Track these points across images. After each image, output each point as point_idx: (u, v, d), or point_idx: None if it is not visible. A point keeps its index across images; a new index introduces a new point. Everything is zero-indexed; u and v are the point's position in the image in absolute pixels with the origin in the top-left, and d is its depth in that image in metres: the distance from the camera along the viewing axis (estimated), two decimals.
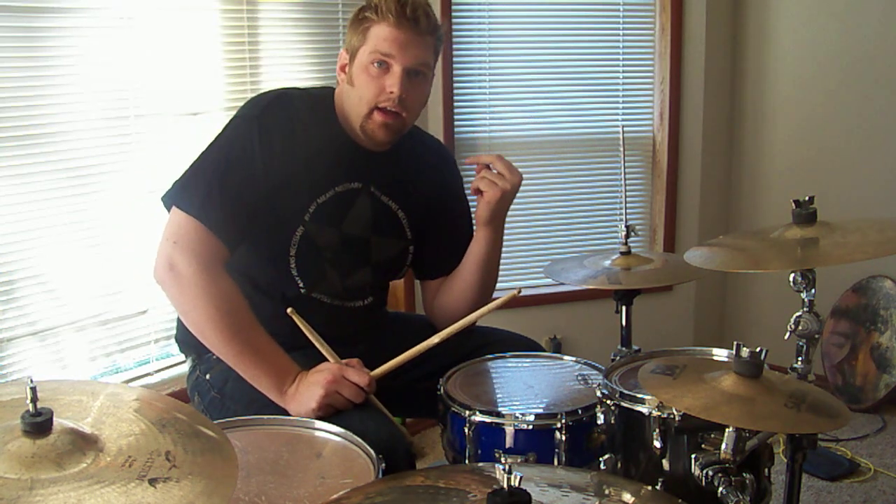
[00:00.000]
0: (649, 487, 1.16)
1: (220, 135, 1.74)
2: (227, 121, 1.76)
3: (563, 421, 1.55)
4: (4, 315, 2.20)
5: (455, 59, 3.18)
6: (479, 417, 1.57)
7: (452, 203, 1.97)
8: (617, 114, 3.46)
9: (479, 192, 1.81)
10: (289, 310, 1.62)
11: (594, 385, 1.65)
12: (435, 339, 1.70)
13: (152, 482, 0.95)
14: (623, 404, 1.47)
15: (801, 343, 1.50)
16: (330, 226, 1.78)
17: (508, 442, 1.57)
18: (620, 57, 3.42)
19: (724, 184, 3.66)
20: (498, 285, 1.96)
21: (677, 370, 1.36)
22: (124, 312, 2.47)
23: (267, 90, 1.83)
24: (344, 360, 1.65)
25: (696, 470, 1.33)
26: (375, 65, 1.68)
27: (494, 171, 1.79)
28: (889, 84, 3.16)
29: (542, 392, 1.71)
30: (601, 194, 3.49)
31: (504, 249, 1.93)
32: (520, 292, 1.70)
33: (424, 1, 1.71)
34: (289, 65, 2.79)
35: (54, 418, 0.98)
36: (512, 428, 1.57)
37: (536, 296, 3.39)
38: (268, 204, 1.70)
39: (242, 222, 1.69)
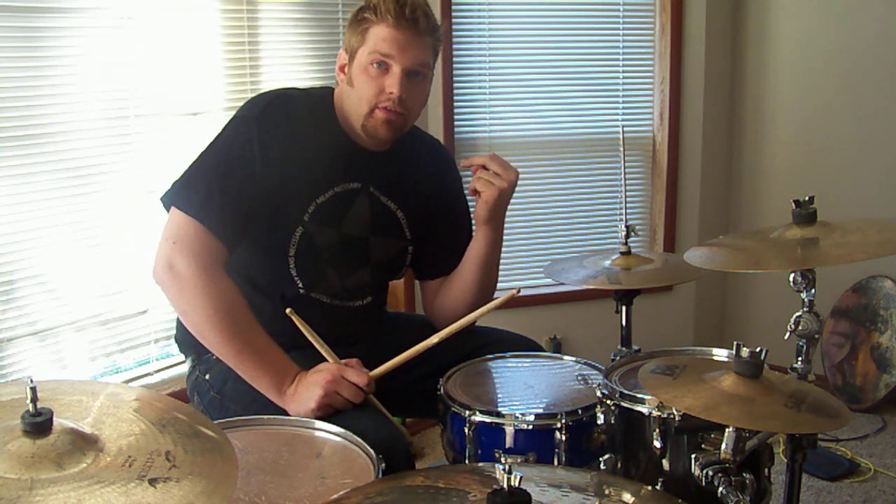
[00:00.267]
0: (649, 487, 1.16)
1: (219, 135, 1.74)
2: (226, 121, 1.76)
3: (563, 421, 1.55)
4: (4, 315, 2.20)
5: (455, 59, 3.18)
6: (479, 417, 1.57)
7: (452, 203, 1.97)
8: (617, 114, 3.46)
9: (476, 192, 1.81)
10: (288, 310, 1.62)
11: (594, 385, 1.65)
12: (434, 339, 1.70)
13: (152, 482, 0.95)
14: (623, 404, 1.47)
15: (801, 343, 1.50)
16: (329, 226, 1.78)
17: (508, 442, 1.57)
18: (620, 57, 3.42)
19: (724, 184, 3.66)
20: (498, 285, 1.96)
21: (677, 370, 1.36)
22: (124, 312, 2.47)
23: (266, 90, 1.83)
24: (343, 361, 1.65)
25: (696, 470, 1.33)
26: (375, 65, 1.68)
27: (490, 171, 1.79)
28: (889, 84, 3.16)
29: (542, 392, 1.71)
30: (601, 194, 3.49)
31: (504, 249, 1.93)
32: (519, 292, 1.70)
33: (423, 1, 1.71)
34: (289, 65, 2.79)
35: (54, 418, 0.98)
36: (512, 428, 1.57)
37: (536, 296, 3.39)
38: (267, 204, 1.70)
39: (242, 223, 1.69)
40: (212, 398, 1.78)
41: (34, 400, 0.97)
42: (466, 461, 1.60)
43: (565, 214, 3.47)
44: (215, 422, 1.38)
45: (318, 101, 1.80)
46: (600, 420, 1.51)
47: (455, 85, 3.20)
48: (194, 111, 2.56)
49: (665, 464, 1.41)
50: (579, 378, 1.76)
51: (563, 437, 1.54)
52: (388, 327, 1.97)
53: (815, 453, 1.45)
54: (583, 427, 1.56)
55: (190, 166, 1.71)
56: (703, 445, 1.36)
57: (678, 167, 3.51)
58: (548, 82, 3.35)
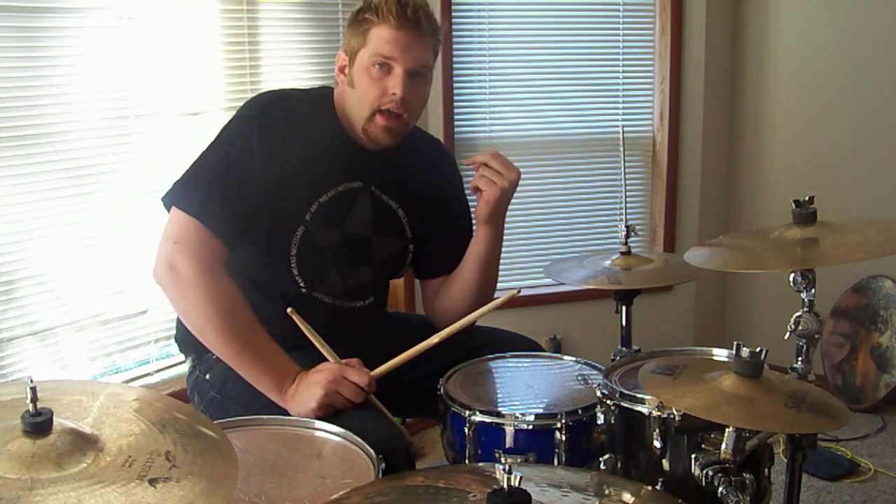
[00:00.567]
0: (649, 487, 1.16)
1: (219, 135, 1.74)
2: (226, 121, 1.76)
3: (563, 421, 1.55)
4: (4, 315, 2.20)
5: (455, 59, 3.18)
6: (479, 417, 1.57)
7: (452, 202, 1.97)
8: (617, 114, 3.46)
9: (478, 190, 1.81)
10: (289, 309, 1.62)
11: (594, 385, 1.65)
12: (435, 339, 1.70)
13: (152, 482, 0.95)
14: (623, 404, 1.47)
15: (801, 343, 1.50)
16: (331, 225, 1.78)
17: (508, 442, 1.57)
18: (620, 57, 3.42)
19: (724, 184, 3.66)
20: (498, 285, 1.96)
21: (677, 370, 1.36)
22: (124, 312, 2.47)
23: (266, 90, 1.83)
24: (344, 360, 1.65)
25: (696, 470, 1.33)
26: (377, 66, 1.68)
27: (492, 169, 1.79)
28: (889, 84, 3.16)
29: (542, 392, 1.71)
30: (601, 194, 3.49)
31: (504, 249, 1.93)
32: (519, 292, 1.70)
33: (424, 2, 1.71)
34: (289, 65, 2.79)
35: (54, 418, 0.98)
36: (512, 428, 1.57)
37: (536, 296, 3.39)
38: (268, 203, 1.70)
39: (243, 222, 1.69)
40: (212, 398, 1.78)
41: (34, 400, 0.97)
42: (466, 461, 1.60)
43: (565, 214, 3.47)
44: (215, 422, 1.38)
45: (318, 101, 1.80)
46: (600, 420, 1.51)
47: (455, 85, 3.19)
48: (194, 111, 2.56)
49: (665, 464, 1.41)
50: (579, 378, 1.76)
51: (563, 437, 1.54)
52: (388, 327, 1.97)
53: (815, 453, 1.45)
54: (583, 427, 1.56)
55: (190, 166, 1.71)
56: (703, 445, 1.36)
57: (678, 167, 3.51)
58: (548, 82, 3.35)
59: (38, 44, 2.20)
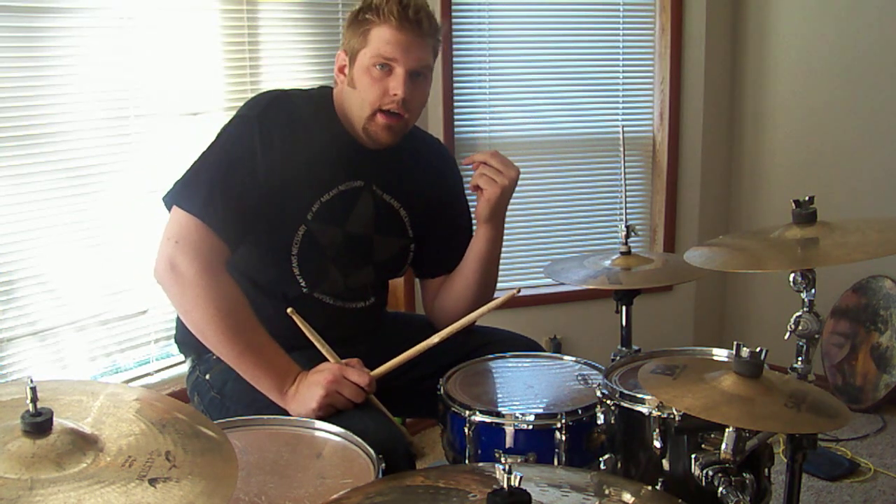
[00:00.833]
0: (649, 487, 1.16)
1: (220, 135, 1.74)
2: (226, 121, 1.75)
3: (563, 421, 1.55)
4: (4, 315, 2.20)
5: (455, 59, 3.18)
6: (479, 417, 1.57)
7: (453, 201, 1.97)
8: (617, 114, 3.46)
9: (477, 189, 1.81)
10: (289, 310, 1.62)
11: (594, 385, 1.65)
12: (435, 339, 1.70)
13: (152, 482, 0.95)
14: (623, 404, 1.47)
15: (801, 343, 1.50)
16: (333, 225, 1.78)
17: (508, 442, 1.57)
18: (620, 57, 3.42)
19: (724, 184, 3.66)
20: (498, 285, 1.96)
21: (677, 370, 1.36)
22: (124, 312, 2.47)
23: (266, 90, 1.83)
24: (344, 360, 1.65)
25: (696, 470, 1.33)
26: (378, 67, 1.68)
27: (492, 168, 1.79)
28: (889, 84, 3.16)
29: (542, 392, 1.71)
30: (601, 194, 3.49)
31: (504, 249, 1.93)
32: (519, 292, 1.70)
33: (425, 3, 1.71)
34: (289, 65, 2.79)
35: (54, 418, 0.98)
36: (512, 428, 1.57)
37: (536, 296, 3.39)
38: (269, 203, 1.70)
39: (244, 221, 1.69)
40: (212, 398, 1.78)
41: (34, 400, 0.97)
42: (466, 461, 1.60)
43: (565, 214, 3.47)
44: (215, 422, 1.38)
45: (318, 101, 1.80)
46: (600, 420, 1.51)
47: (455, 85, 3.19)
48: (194, 111, 2.56)
49: (665, 464, 1.41)
50: (579, 378, 1.76)
51: (563, 437, 1.54)
52: (388, 327, 1.97)
53: (815, 453, 1.45)
54: (583, 427, 1.56)
55: (191, 166, 1.71)
56: (703, 445, 1.36)
57: (678, 167, 3.51)
58: (548, 82, 3.35)
59: (38, 44, 2.20)
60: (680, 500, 1.08)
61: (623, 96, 3.45)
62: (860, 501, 2.62)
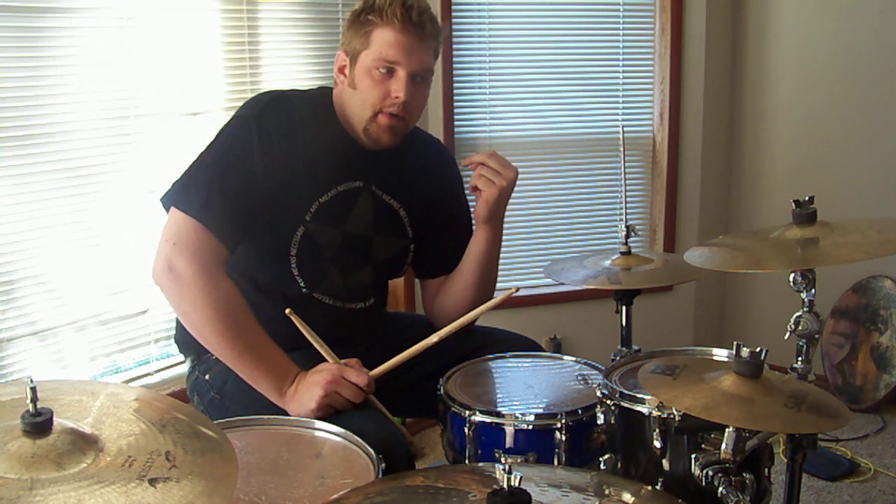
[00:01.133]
0: (649, 487, 1.16)
1: (218, 135, 1.73)
2: (226, 121, 1.75)
3: (563, 421, 1.55)
4: (4, 315, 2.20)
5: (455, 59, 3.18)
6: (479, 417, 1.57)
7: (452, 202, 1.97)
8: (617, 114, 3.46)
9: (476, 189, 1.81)
10: (287, 310, 1.62)
11: (594, 385, 1.65)
12: (433, 339, 1.70)
13: (152, 482, 0.95)
14: (623, 404, 1.47)
15: (801, 343, 1.50)
16: (332, 225, 1.78)
17: (508, 442, 1.57)
18: (620, 57, 3.42)
19: (724, 184, 3.66)
20: (497, 285, 1.96)
21: (677, 370, 1.36)
22: (124, 312, 2.47)
23: (265, 91, 1.82)
24: (343, 360, 1.65)
25: (696, 470, 1.33)
26: (380, 69, 1.67)
27: (490, 168, 1.79)
28: (889, 84, 3.16)
29: (542, 392, 1.71)
30: (601, 194, 3.49)
31: (504, 249, 1.93)
32: (517, 291, 1.70)
33: (427, 5, 1.71)
34: (289, 65, 2.79)
35: (54, 418, 0.98)
36: (512, 428, 1.57)
37: (536, 296, 3.38)
38: (268, 204, 1.70)
39: (242, 222, 1.69)
40: (212, 398, 1.78)
41: (34, 400, 0.97)
42: (466, 461, 1.60)
43: (565, 214, 3.47)
44: (215, 422, 1.38)
45: (317, 101, 1.80)
46: (600, 420, 1.51)
47: (455, 85, 3.19)
48: (194, 111, 2.56)
49: (665, 464, 1.41)
50: (579, 378, 1.76)
51: (563, 437, 1.54)
52: (388, 327, 1.97)
53: (815, 453, 1.45)
54: (583, 427, 1.56)
55: (189, 167, 1.71)
56: (703, 445, 1.36)
57: (678, 167, 3.51)
58: (548, 82, 3.35)
59: (38, 44, 2.20)
60: (680, 500, 1.08)
61: (623, 96, 3.45)
62: (860, 501, 2.62)
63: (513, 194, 1.82)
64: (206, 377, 1.80)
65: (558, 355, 1.92)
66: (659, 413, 1.40)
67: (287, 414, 1.60)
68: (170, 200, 1.68)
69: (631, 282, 1.89)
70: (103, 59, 2.32)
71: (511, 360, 1.86)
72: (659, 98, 3.47)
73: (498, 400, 1.68)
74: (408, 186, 1.87)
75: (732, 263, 1.76)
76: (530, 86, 3.33)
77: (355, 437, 1.46)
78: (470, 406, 1.60)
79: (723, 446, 1.26)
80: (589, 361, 1.82)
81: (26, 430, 0.96)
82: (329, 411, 1.58)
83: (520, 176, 1.82)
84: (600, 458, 1.51)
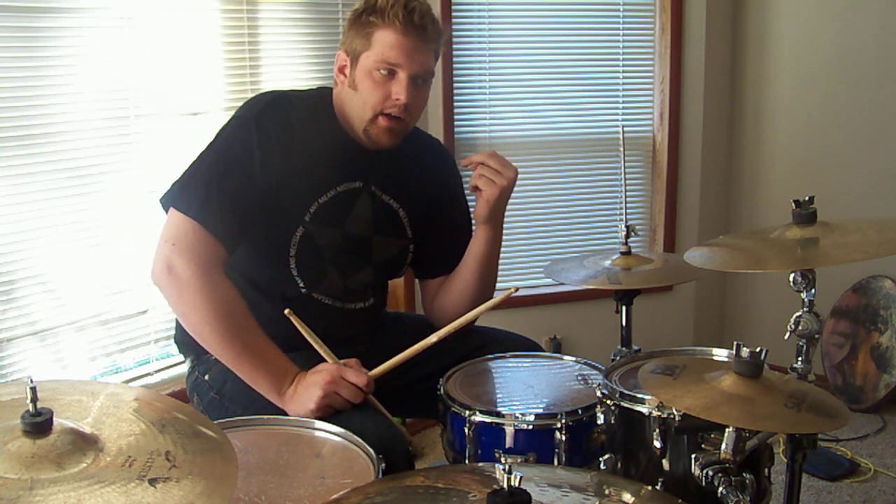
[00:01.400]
0: (649, 487, 1.16)
1: (217, 136, 1.73)
2: (225, 121, 1.75)
3: (563, 421, 1.55)
4: (4, 315, 2.20)
5: (455, 59, 3.18)
6: (479, 417, 1.57)
7: (452, 202, 1.97)
8: (617, 114, 3.46)
9: (476, 189, 1.81)
10: (286, 311, 1.62)
11: (594, 385, 1.65)
12: (433, 339, 1.70)
13: (152, 482, 0.95)
14: (623, 404, 1.47)
15: (801, 343, 1.50)
16: (331, 226, 1.78)
17: (508, 442, 1.57)
18: (620, 57, 3.42)
19: (724, 184, 3.66)
20: (497, 284, 1.96)
21: (677, 370, 1.36)
22: (124, 312, 2.47)
23: (264, 91, 1.82)
24: (342, 360, 1.65)
25: (696, 470, 1.33)
26: (381, 71, 1.67)
27: (490, 168, 1.79)
28: (889, 84, 3.16)
29: (542, 392, 1.71)
30: (601, 194, 3.49)
31: (504, 249, 1.93)
32: (516, 290, 1.70)
33: (429, 8, 1.70)
34: (289, 65, 2.79)
35: (54, 418, 0.98)
36: (512, 428, 1.57)
37: (536, 296, 3.38)
38: (267, 204, 1.70)
39: (241, 223, 1.69)
40: (211, 399, 1.78)
41: (34, 400, 0.97)
42: (466, 461, 1.60)
43: (565, 214, 3.47)
44: (215, 422, 1.38)
45: (317, 102, 1.79)
46: (600, 420, 1.51)
47: (455, 85, 3.19)
48: (194, 111, 2.56)
49: (665, 464, 1.41)
50: (579, 378, 1.76)
51: (563, 437, 1.54)
52: (387, 327, 1.97)
53: (815, 453, 1.45)
54: (583, 427, 1.56)
55: (188, 168, 1.71)
56: (703, 445, 1.36)
57: (678, 167, 3.51)
58: (548, 82, 3.35)
59: (38, 44, 2.20)
60: (680, 500, 1.08)
61: (623, 96, 3.45)
62: (860, 501, 2.62)
63: (513, 194, 1.82)
64: (206, 377, 1.80)
65: (558, 355, 1.92)
66: (659, 413, 1.40)
67: (287, 414, 1.60)
68: (169, 201, 1.68)
69: (631, 282, 1.89)
70: (103, 59, 2.32)
71: (511, 360, 1.86)
72: (659, 98, 3.47)
73: (498, 400, 1.68)
74: (407, 187, 1.87)
75: (732, 263, 1.76)
76: (530, 86, 3.33)
77: (355, 437, 1.46)
78: (470, 406, 1.60)
79: (723, 446, 1.26)
80: (589, 361, 1.82)
81: (26, 430, 0.96)
82: (328, 412, 1.58)
83: (520, 176, 1.82)
84: (600, 458, 1.51)
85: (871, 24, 3.18)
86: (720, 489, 1.28)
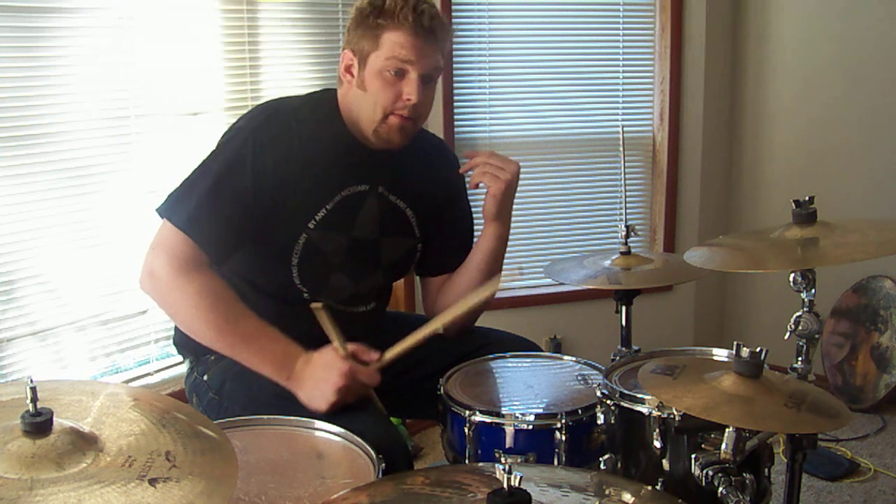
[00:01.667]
0: (649, 487, 1.16)
1: (216, 148, 1.72)
2: (226, 120, 1.75)
3: (563, 421, 1.55)
4: (4, 315, 2.20)
5: (455, 59, 3.18)
6: (479, 417, 1.57)
7: (457, 200, 1.97)
8: (617, 114, 3.46)
9: (477, 186, 1.82)
10: (313, 305, 1.64)
11: (594, 385, 1.65)
12: (437, 323, 1.68)
13: (152, 482, 0.95)
14: (623, 404, 1.47)
15: (801, 343, 1.50)
16: (338, 231, 1.77)
17: (508, 442, 1.57)
18: (620, 57, 3.42)
19: (724, 184, 3.66)
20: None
21: (677, 370, 1.37)
22: (124, 312, 2.47)
23: (266, 101, 1.81)
24: (350, 347, 1.64)
25: (696, 470, 1.33)
26: (391, 72, 1.67)
27: (492, 165, 1.79)
28: (889, 84, 3.16)
29: (542, 392, 1.71)
30: (601, 194, 3.49)
31: None
32: (521, 270, 1.70)
33: (437, 10, 1.70)
34: (289, 65, 2.79)
35: (54, 418, 0.98)
36: (512, 428, 1.57)
37: (536, 296, 3.38)
38: (264, 216, 1.68)
39: (232, 236, 1.68)
40: (210, 399, 1.78)
41: (34, 400, 0.97)
42: (466, 461, 1.60)
43: (565, 214, 3.47)
44: (215, 422, 1.38)
45: (320, 106, 1.78)
46: (600, 420, 1.51)
47: (455, 85, 3.19)
48: (194, 111, 2.56)
49: (665, 464, 1.41)
50: (579, 378, 1.76)
51: (563, 437, 1.54)
52: (387, 327, 1.97)
53: (815, 453, 1.46)
54: (583, 427, 1.56)
55: (185, 179, 1.70)
56: (703, 445, 1.36)
57: (678, 167, 3.51)
58: (548, 82, 3.35)
59: (38, 44, 2.20)
60: (680, 500, 1.08)
61: (623, 96, 3.45)
62: (860, 501, 2.62)
63: (518, 186, 1.83)
64: (205, 378, 1.80)
65: (558, 355, 1.92)
66: (659, 413, 1.40)
67: (287, 412, 1.59)
68: (163, 212, 1.68)
69: (631, 282, 1.89)
70: (103, 59, 2.32)
71: (511, 360, 1.86)
72: (659, 98, 3.47)
73: (498, 400, 1.68)
74: (413, 185, 1.86)
75: (732, 263, 1.76)
76: (530, 86, 3.33)
77: (355, 437, 1.46)
78: (470, 406, 1.60)
79: (723, 446, 1.26)
80: (589, 361, 1.82)
81: (26, 430, 0.96)
82: (337, 408, 1.58)
83: (520, 176, 1.82)
84: (600, 458, 1.51)
85: (871, 25, 3.18)
86: (720, 489, 1.28)
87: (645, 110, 3.50)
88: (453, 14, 3.14)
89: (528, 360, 1.87)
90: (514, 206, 1.88)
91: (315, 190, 1.73)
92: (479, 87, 3.26)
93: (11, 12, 2.12)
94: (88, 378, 2.39)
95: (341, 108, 1.77)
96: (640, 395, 1.44)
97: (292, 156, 1.70)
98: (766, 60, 3.49)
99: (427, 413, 1.78)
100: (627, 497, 1.05)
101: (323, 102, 1.79)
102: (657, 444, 1.40)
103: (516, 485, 0.89)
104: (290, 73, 2.78)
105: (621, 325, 1.95)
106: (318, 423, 1.53)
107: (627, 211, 3.46)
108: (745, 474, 1.31)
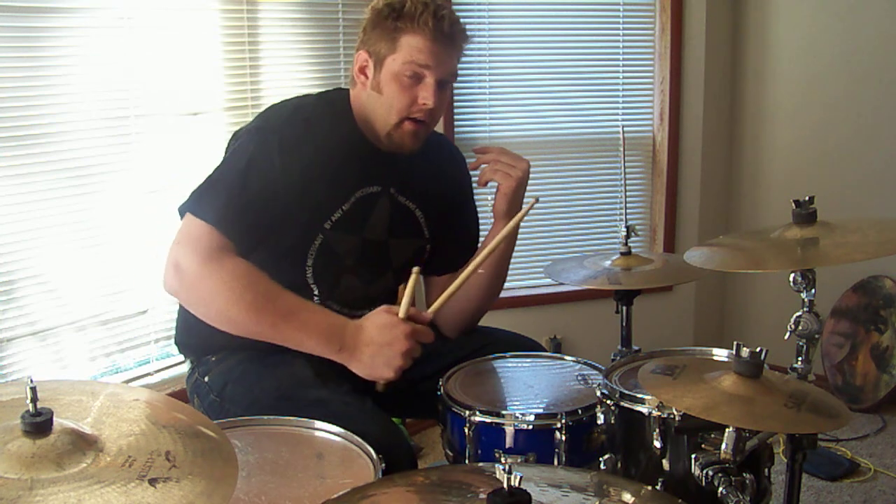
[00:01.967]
0: (649, 487, 1.16)
1: (237, 148, 1.71)
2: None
3: (563, 421, 1.55)
4: (4, 315, 2.20)
5: None
6: (479, 417, 1.57)
7: (463, 200, 1.98)
8: (617, 114, 3.46)
9: (486, 184, 1.82)
10: (415, 269, 1.63)
11: (594, 385, 1.65)
12: (475, 264, 1.67)
13: (152, 482, 0.95)
14: (623, 404, 1.47)
15: (801, 343, 1.50)
16: (351, 233, 1.76)
17: (508, 442, 1.57)
18: (620, 57, 3.42)
19: (724, 184, 3.66)
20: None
21: (677, 370, 1.36)
22: (124, 312, 2.47)
23: (280, 101, 1.80)
24: (384, 308, 1.61)
25: (696, 470, 1.33)
26: (408, 76, 1.66)
27: (503, 162, 1.80)
28: (889, 84, 3.16)
29: (542, 392, 1.71)
30: (601, 194, 3.49)
31: None
32: (537, 200, 1.69)
33: (456, 15, 1.69)
34: (289, 65, 2.79)
35: (54, 418, 0.98)
36: (512, 428, 1.57)
37: (536, 296, 3.39)
38: (287, 215, 1.68)
39: (258, 232, 1.66)
40: (212, 401, 1.77)
41: (34, 400, 0.97)
42: (466, 461, 1.60)
43: (565, 214, 3.47)
44: (215, 422, 1.38)
45: (334, 106, 1.77)
46: (600, 420, 1.51)
47: (455, 85, 3.18)
48: (194, 111, 2.56)
49: (665, 464, 1.41)
50: (579, 378, 1.76)
51: (563, 437, 1.54)
52: None
53: (815, 453, 1.46)
54: (583, 427, 1.56)
55: (208, 177, 1.69)
56: (703, 445, 1.36)
57: (678, 167, 3.51)
58: (548, 82, 3.35)
59: (38, 44, 2.20)
60: (680, 500, 1.08)
61: (623, 96, 3.45)
62: (860, 501, 2.62)
63: (528, 183, 1.83)
64: (206, 379, 1.80)
65: (558, 355, 1.92)
66: (659, 413, 1.40)
67: (287, 413, 1.57)
68: (187, 208, 1.65)
69: (631, 282, 1.89)
70: (103, 59, 2.32)
71: (511, 360, 1.86)
72: (659, 98, 3.47)
73: (498, 400, 1.68)
74: (423, 187, 1.86)
75: (732, 263, 1.76)
76: (530, 86, 3.33)
77: (355, 437, 1.45)
78: (470, 406, 1.59)
79: (723, 446, 1.26)
80: (589, 361, 1.82)
81: (26, 430, 0.96)
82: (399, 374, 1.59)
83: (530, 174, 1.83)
84: (600, 458, 1.51)
85: (871, 25, 3.18)
86: (720, 489, 1.28)
87: (645, 110, 3.50)
88: None
89: (529, 360, 1.87)
90: None
91: (332, 191, 1.73)
92: (479, 87, 3.26)
93: (11, 12, 2.13)
94: (88, 378, 2.39)
95: (354, 108, 1.77)
96: (640, 395, 1.44)
97: (314, 153, 1.69)
98: (766, 60, 3.49)
99: (427, 413, 1.78)
100: (627, 497, 1.05)
101: (336, 103, 1.78)
102: (657, 444, 1.40)
103: (516, 485, 0.89)
104: (290, 73, 2.78)
105: (621, 326, 1.95)
106: (318, 424, 1.52)
107: (627, 211, 3.47)
108: (745, 474, 1.31)
